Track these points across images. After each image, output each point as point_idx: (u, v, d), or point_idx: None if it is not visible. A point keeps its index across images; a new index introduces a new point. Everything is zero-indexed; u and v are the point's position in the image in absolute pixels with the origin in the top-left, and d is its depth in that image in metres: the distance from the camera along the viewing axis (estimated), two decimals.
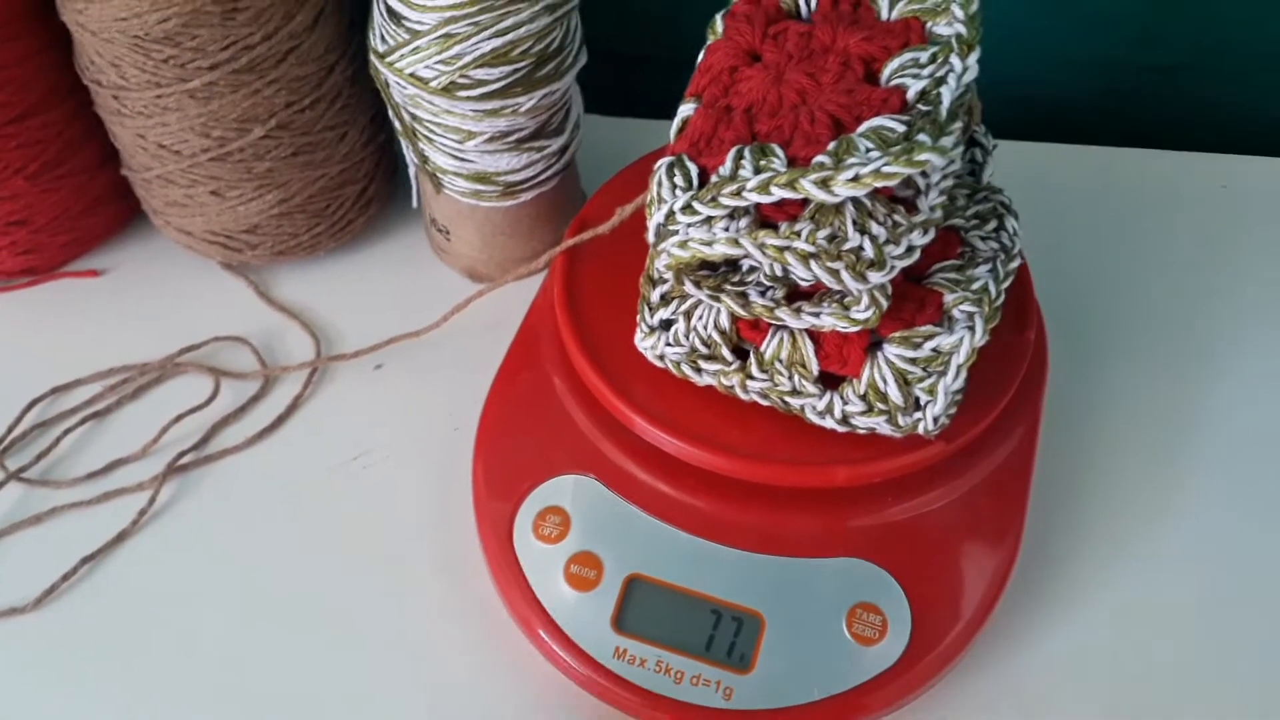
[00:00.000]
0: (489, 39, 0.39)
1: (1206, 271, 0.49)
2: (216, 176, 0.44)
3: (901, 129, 0.29)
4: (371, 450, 0.43)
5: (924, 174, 0.31)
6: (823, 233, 0.30)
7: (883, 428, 0.34)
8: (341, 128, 0.46)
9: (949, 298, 0.33)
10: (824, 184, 0.28)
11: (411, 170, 0.48)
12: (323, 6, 0.42)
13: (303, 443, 0.44)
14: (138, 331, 0.47)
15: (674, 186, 0.32)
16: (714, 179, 0.31)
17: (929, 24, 0.32)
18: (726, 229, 0.30)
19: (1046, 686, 0.37)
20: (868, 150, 0.29)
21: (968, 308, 0.33)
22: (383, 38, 0.41)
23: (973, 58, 0.31)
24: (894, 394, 0.33)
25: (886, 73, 0.32)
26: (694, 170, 0.32)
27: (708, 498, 0.36)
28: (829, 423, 0.34)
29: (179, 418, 0.44)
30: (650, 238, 0.32)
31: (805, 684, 0.34)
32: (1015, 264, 0.35)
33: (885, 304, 0.31)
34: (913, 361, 0.33)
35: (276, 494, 0.42)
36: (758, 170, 0.30)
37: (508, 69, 0.40)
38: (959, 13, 0.32)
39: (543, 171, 0.45)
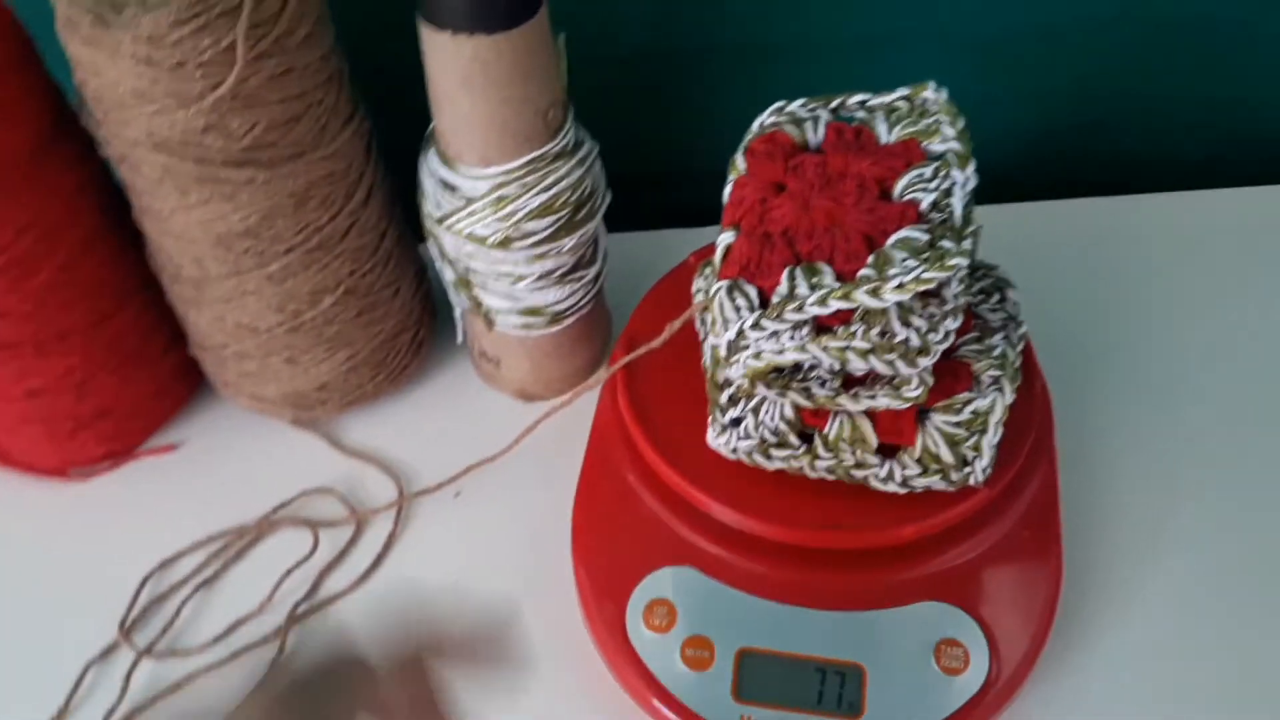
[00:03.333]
0: (536, 196, 0.45)
1: (1164, 300, 0.56)
2: (291, 345, 0.48)
3: (925, 238, 0.35)
4: (467, 570, 0.47)
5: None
6: (875, 331, 0.35)
7: (938, 485, 0.39)
8: (395, 284, 0.50)
9: (976, 366, 0.39)
10: (874, 293, 0.34)
11: (458, 312, 0.53)
12: (373, 181, 0.47)
13: (404, 575, 0.47)
14: (224, 495, 0.51)
15: (737, 307, 0.37)
16: (775, 298, 0.36)
17: (925, 143, 0.39)
18: (793, 339, 0.36)
19: (1106, 686, 0.42)
20: (903, 260, 0.35)
21: (993, 373, 0.39)
22: (437, 204, 0.46)
23: (970, 168, 0.37)
24: (946, 455, 0.39)
25: (898, 190, 0.38)
26: (753, 291, 0.37)
27: (796, 569, 0.41)
28: (891, 487, 0.39)
29: (288, 572, 0.47)
30: (722, 352, 0.38)
31: (911, 719, 0.39)
32: (1023, 329, 0.41)
33: (930, 381, 0.37)
34: (957, 425, 0.38)
35: (389, 627, 0.46)
36: (812, 287, 0.35)
37: (552, 219, 0.46)
38: (949, 131, 0.38)
39: (583, 298, 0.50)
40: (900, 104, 0.41)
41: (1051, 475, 0.44)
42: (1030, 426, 0.43)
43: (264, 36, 0.40)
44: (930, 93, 0.40)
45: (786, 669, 0.40)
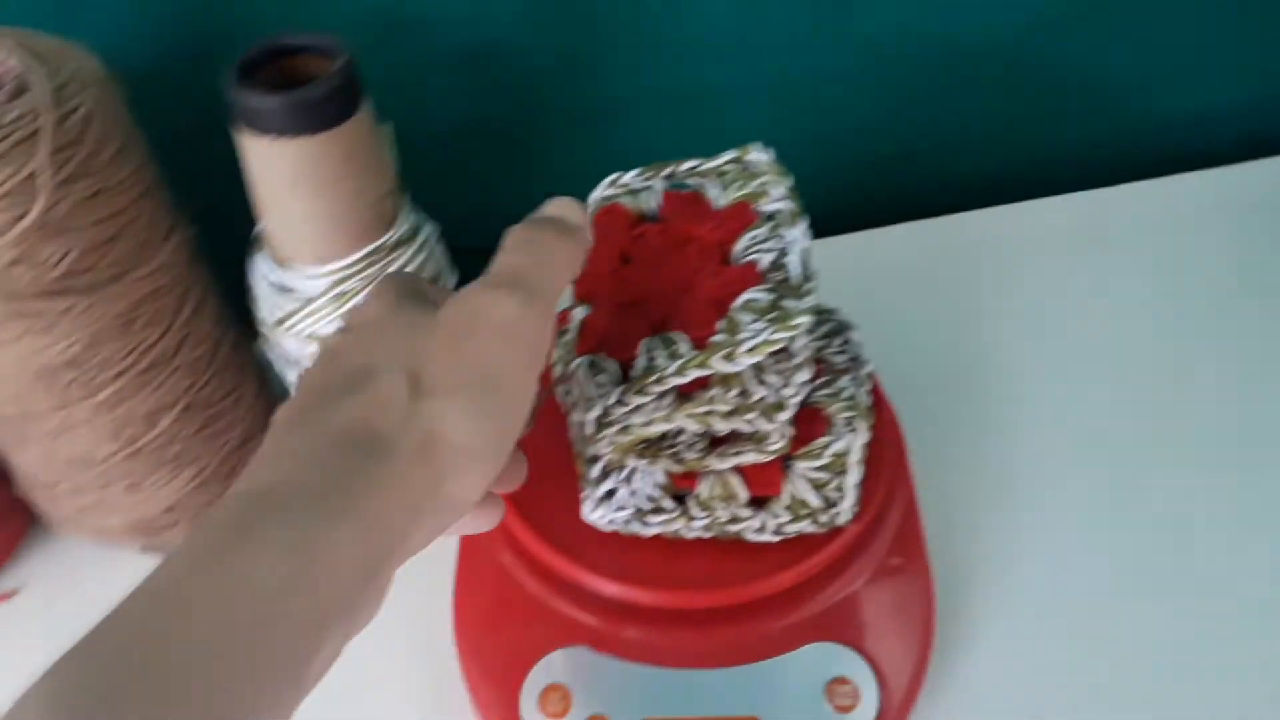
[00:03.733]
0: None
1: (993, 312, 0.60)
2: (131, 472, 0.46)
3: (769, 298, 0.37)
4: (354, 679, 0.46)
5: None
6: (733, 393, 0.36)
7: (808, 529, 0.40)
8: (236, 391, 0.48)
9: (829, 410, 0.41)
10: (729, 358, 0.35)
11: None
12: (202, 291, 0.46)
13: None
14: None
15: (599, 383, 0.37)
16: (634, 372, 0.37)
17: (756, 205, 0.40)
18: (657, 410, 0.36)
19: (991, 694, 0.44)
20: (751, 323, 0.36)
21: (846, 414, 0.41)
22: (273, 308, 0.45)
23: (802, 225, 0.39)
24: (813, 499, 0.40)
25: (736, 252, 0.39)
26: (613, 365, 0.38)
27: (685, 632, 0.41)
28: (765, 537, 0.40)
29: None
30: (589, 429, 0.38)
31: None
32: (868, 367, 0.43)
33: (791, 432, 0.38)
34: (820, 469, 0.40)
35: None
36: (670, 357, 0.36)
37: None
38: (777, 191, 0.40)
39: None
40: (729, 167, 0.42)
41: (911, 501, 0.46)
42: (884, 457, 0.45)
43: (69, 160, 0.38)
44: (756, 154, 0.42)
45: None
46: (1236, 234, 0.64)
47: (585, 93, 0.59)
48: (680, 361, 0.36)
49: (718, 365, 0.35)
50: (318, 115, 0.39)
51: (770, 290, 0.37)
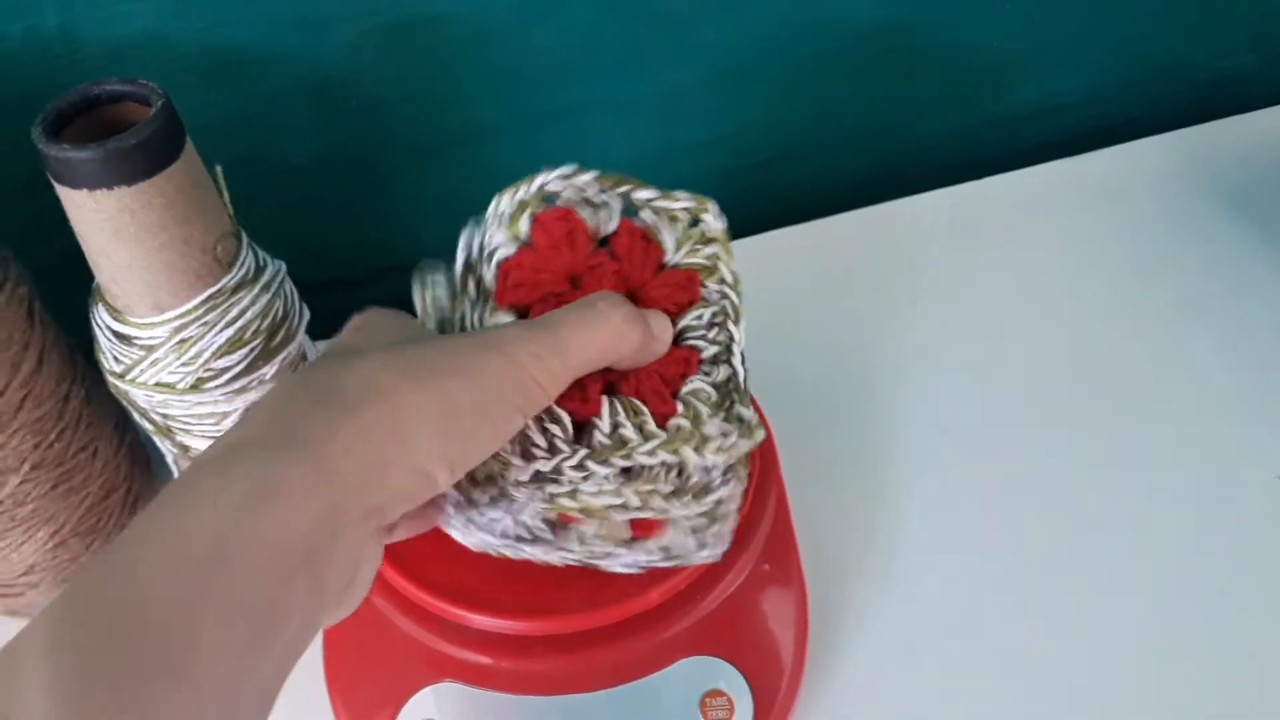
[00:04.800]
0: (221, 332, 0.43)
1: (855, 313, 0.61)
2: None
3: (714, 393, 0.36)
4: None
5: None
6: (673, 474, 0.35)
7: (678, 564, 0.37)
8: (91, 445, 0.47)
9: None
10: (698, 451, 0.34)
11: (170, 458, 0.50)
12: (43, 346, 0.44)
13: None
14: None
15: (548, 434, 0.34)
16: (598, 438, 0.34)
17: (705, 279, 0.38)
18: (609, 482, 0.34)
19: (868, 699, 0.45)
20: (710, 417, 0.35)
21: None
22: (115, 359, 0.43)
23: (742, 325, 0.38)
24: (690, 544, 0.36)
25: (679, 327, 0.37)
26: (567, 420, 0.34)
27: (558, 658, 0.41)
28: (631, 570, 0.37)
29: None
30: (521, 476, 0.34)
31: None
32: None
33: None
34: (701, 515, 0.36)
35: None
36: (642, 433, 0.34)
37: (245, 350, 0.44)
38: (726, 274, 0.38)
39: None
40: (681, 214, 0.38)
41: (783, 507, 0.46)
42: (754, 464, 0.45)
43: None
44: (711, 218, 0.38)
45: None
46: (1093, 221, 0.66)
47: (432, 122, 0.58)
48: (655, 442, 0.34)
49: (688, 456, 0.34)
50: (134, 164, 0.38)
51: (713, 385, 0.36)
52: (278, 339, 0.45)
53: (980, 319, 0.60)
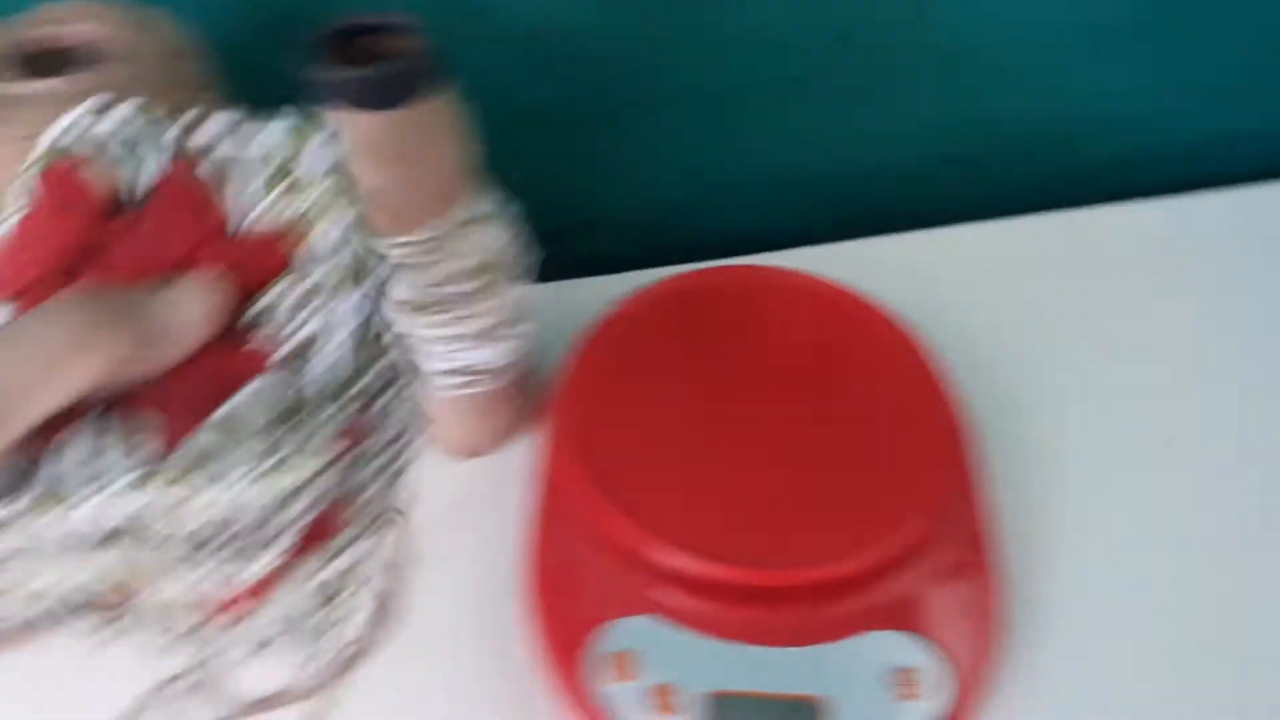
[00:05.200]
0: (457, 261, 0.44)
1: (1074, 313, 0.58)
2: None
3: (283, 401, 0.25)
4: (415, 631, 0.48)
5: None
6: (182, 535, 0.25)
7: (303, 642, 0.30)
8: None
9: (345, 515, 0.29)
10: (178, 485, 0.24)
11: None
12: None
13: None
14: None
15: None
16: (39, 480, 0.23)
17: (297, 240, 0.27)
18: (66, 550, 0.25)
19: (1061, 696, 0.44)
20: (247, 441, 0.24)
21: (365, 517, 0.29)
22: None
23: (363, 289, 0.27)
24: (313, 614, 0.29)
25: (255, 311, 0.26)
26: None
27: (751, 608, 0.42)
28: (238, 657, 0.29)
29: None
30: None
31: None
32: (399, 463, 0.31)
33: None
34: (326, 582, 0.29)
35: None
36: (130, 457, 0.24)
37: (477, 282, 0.45)
38: (333, 233, 0.27)
39: (515, 355, 0.50)
40: (278, 153, 0.29)
41: (984, 496, 0.45)
42: (955, 451, 0.44)
43: None
44: (315, 153, 0.28)
45: (754, 708, 0.41)
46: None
47: (648, 79, 0.57)
48: (124, 480, 0.23)
49: (199, 487, 0.24)
50: (403, 88, 0.39)
51: (286, 387, 0.26)
52: (501, 276, 0.46)
53: (1200, 328, 0.57)
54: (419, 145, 0.41)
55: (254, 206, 0.27)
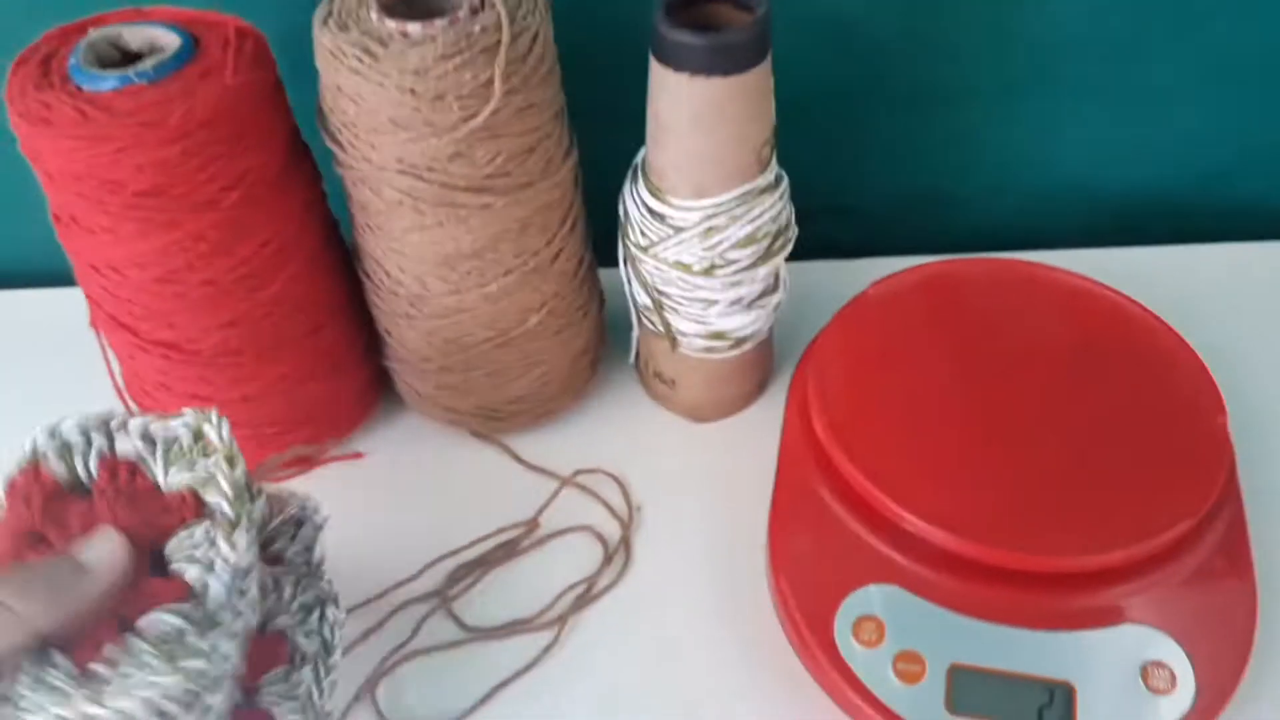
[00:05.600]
0: (743, 227, 0.47)
1: None
2: (495, 360, 0.51)
3: (176, 625, 0.32)
4: (665, 581, 0.50)
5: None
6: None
7: None
8: (585, 306, 0.53)
9: (277, 710, 0.36)
10: (96, 700, 0.30)
11: (635, 334, 0.55)
12: (578, 212, 0.50)
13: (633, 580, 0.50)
14: (416, 503, 0.53)
15: None
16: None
17: (204, 495, 0.35)
18: None
19: None
20: (142, 652, 0.31)
21: (293, 717, 0.37)
22: (643, 233, 0.49)
23: (241, 537, 0.34)
24: None
25: (167, 553, 0.34)
26: None
27: (1001, 588, 0.43)
28: None
29: (571, 587, 0.49)
30: None
31: None
32: (336, 657, 0.39)
33: None
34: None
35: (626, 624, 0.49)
36: (39, 686, 0.30)
37: (753, 249, 0.48)
38: (224, 485, 0.35)
39: (763, 324, 0.53)
40: (183, 433, 0.36)
41: (1239, 506, 0.46)
42: (1222, 454, 0.45)
43: (515, 73, 0.42)
44: (209, 427, 0.36)
45: (998, 685, 0.41)
46: None
47: (933, 74, 0.60)
48: (45, 695, 0.30)
49: (85, 709, 0.30)
50: (736, 57, 0.42)
51: (184, 617, 0.32)
52: (777, 244, 0.49)
53: None
54: (741, 112, 0.44)
55: (171, 467, 0.35)
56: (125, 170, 0.41)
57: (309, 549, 0.41)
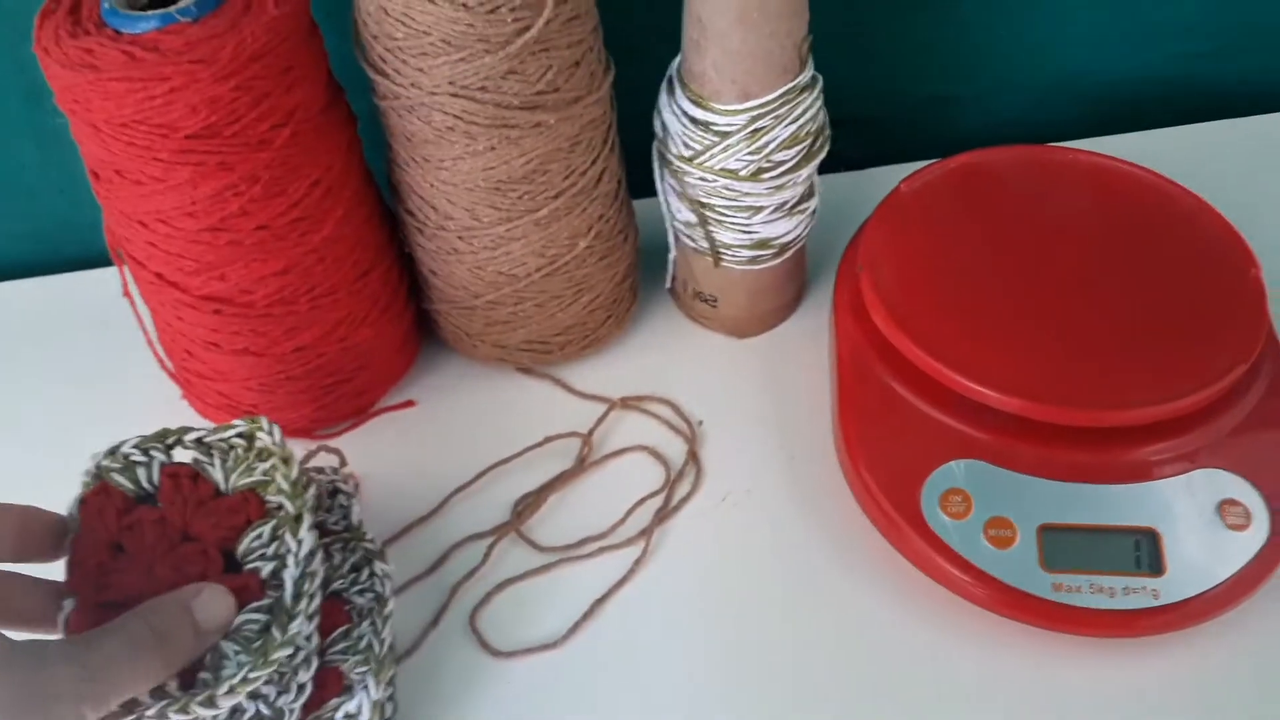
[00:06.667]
0: (787, 126, 0.48)
1: None
2: (544, 290, 0.50)
3: (262, 620, 0.36)
4: (743, 492, 0.51)
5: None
6: (222, 715, 0.35)
7: None
8: (625, 230, 0.53)
9: (344, 667, 0.39)
10: (209, 703, 0.34)
11: (671, 256, 0.55)
12: (616, 129, 0.50)
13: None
14: (473, 444, 0.53)
15: None
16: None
17: (264, 495, 0.39)
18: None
19: None
20: (236, 654, 0.35)
21: (360, 670, 0.39)
22: (686, 144, 0.49)
23: (304, 531, 0.38)
24: None
25: (239, 554, 0.38)
26: None
27: (1075, 450, 0.44)
28: None
29: (641, 501, 0.50)
30: None
31: (1209, 572, 0.42)
32: (390, 607, 0.41)
33: None
34: None
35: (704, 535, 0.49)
36: (156, 696, 0.34)
37: (798, 149, 0.49)
38: (283, 484, 0.39)
39: (803, 230, 0.53)
40: (238, 442, 0.40)
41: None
42: (1262, 305, 0.47)
43: None
44: (264, 434, 0.40)
45: (1087, 539, 0.43)
46: None
47: None
48: (165, 703, 0.34)
49: (199, 712, 0.34)
50: None
51: (265, 612, 0.36)
52: (817, 144, 0.50)
53: None
54: (785, 7, 0.44)
55: (229, 476, 0.39)
56: (178, 111, 0.40)
57: (347, 514, 0.43)
